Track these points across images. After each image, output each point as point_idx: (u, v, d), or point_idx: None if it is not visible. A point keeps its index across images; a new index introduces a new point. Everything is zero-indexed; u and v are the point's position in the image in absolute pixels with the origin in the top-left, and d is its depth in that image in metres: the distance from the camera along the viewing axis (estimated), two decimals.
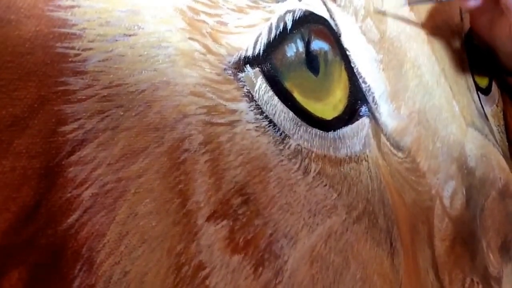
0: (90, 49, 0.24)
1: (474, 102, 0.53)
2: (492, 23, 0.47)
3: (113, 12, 0.25)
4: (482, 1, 0.44)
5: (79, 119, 0.23)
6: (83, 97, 0.23)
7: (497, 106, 0.60)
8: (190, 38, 0.28)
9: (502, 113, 0.60)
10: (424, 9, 0.48)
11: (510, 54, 0.51)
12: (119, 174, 0.23)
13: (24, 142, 0.21)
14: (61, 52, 0.23)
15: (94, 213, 0.22)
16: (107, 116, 0.24)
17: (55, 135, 0.22)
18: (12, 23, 0.21)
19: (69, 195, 0.22)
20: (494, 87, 0.60)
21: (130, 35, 0.25)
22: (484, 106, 0.55)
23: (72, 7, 0.24)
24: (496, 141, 0.54)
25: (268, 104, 0.31)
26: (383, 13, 0.42)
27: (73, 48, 0.23)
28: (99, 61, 0.24)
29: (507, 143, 0.59)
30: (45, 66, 0.22)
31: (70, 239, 0.21)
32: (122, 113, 0.24)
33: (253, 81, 0.31)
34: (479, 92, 0.55)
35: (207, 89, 0.28)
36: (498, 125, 0.58)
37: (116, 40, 0.25)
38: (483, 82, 0.58)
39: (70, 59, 0.23)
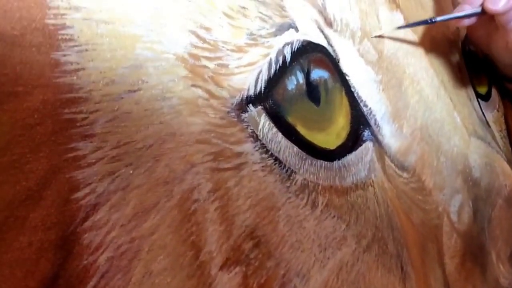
0: (97, 110, 0.24)
1: (475, 110, 0.53)
2: (489, 36, 0.47)
3: (117, 70, 0.25)
4: (477, 19, 0.44)
5: (91, 183, 0.23)
6: (93, 161, 0.23)
7: (497, 111, 0.60)
8: (193, 85, 0.28)
9: (503, 117, 0.60)
10: None
11: (508, 65, 0.51)
12: (132, 234, 0.23)
13: (39, 215, 0.21)
14: (69, 118, 0.23)
15: (110, 277, 0.22)
16: (117, 176, 0.24)
17: (69, 203, 0.22)
18: (19, 96, 0.22)
19: (85, 262, 0.22)
20: (494, 92, 0.60)
21: (135, 91, 0.26)
22: (485, 113, 0.55)
23: (78, 70, 0.24)
24: (499, 147, 0.54)
25: (272, 141, 0.31)
26: (380, 36, 0.42)
27: (80, 112, 0.23)
28: (107, 121, 0.24)
29: (510, 148, 0.59)
30: (55, 134, 0.22)
31: None
32: (131, 171, 0.24)
33: (257, 120, 0.31)
34: (479, 99, 0.55)
35: (212, 135, 0.28)
36: (500, 131, 0.58)
37: (122, 98, 0.25)
38: (483, 88, 0.58)
39: (78, 124, 0.23)
